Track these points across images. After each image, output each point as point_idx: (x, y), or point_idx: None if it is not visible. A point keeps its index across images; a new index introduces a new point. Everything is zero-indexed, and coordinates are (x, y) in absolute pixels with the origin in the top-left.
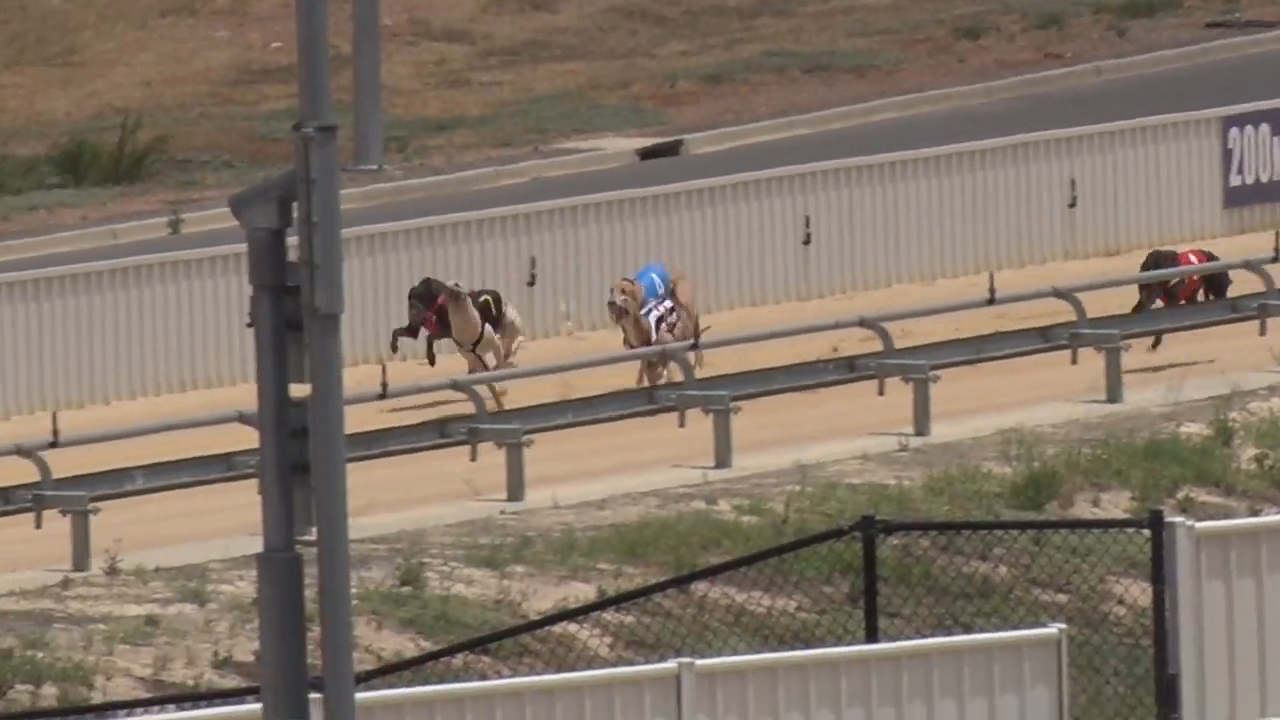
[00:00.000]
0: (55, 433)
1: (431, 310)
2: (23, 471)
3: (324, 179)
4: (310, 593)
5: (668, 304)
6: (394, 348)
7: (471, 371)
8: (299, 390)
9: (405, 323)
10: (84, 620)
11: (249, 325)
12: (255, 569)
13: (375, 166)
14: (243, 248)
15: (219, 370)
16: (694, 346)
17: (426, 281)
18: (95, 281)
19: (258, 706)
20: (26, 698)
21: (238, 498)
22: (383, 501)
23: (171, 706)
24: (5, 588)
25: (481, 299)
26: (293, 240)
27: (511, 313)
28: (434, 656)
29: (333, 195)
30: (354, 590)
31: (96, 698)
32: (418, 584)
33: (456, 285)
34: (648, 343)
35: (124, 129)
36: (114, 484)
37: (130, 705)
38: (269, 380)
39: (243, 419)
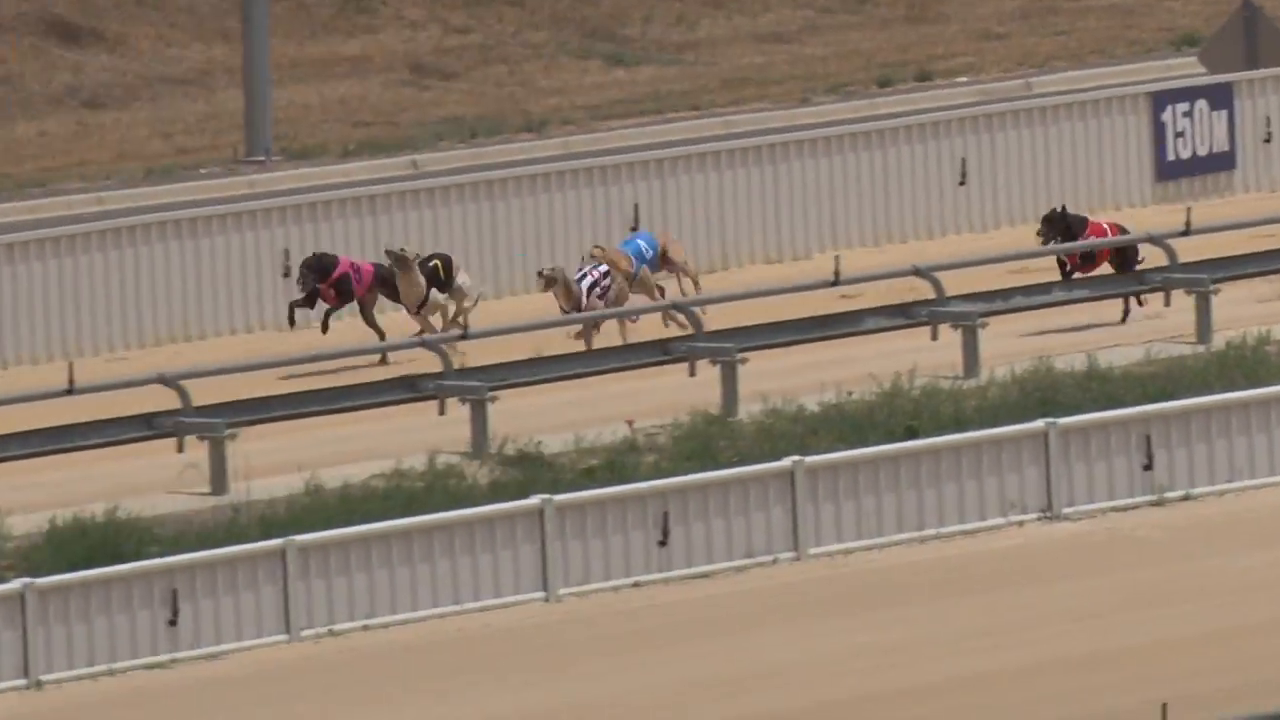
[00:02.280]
0: None
1: (329, 282)
2: None
3: None
4: None
5: (602, 269)
6: (291, 321)
7: (421, 333)
8: None
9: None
10: None
11: None
12: None
13: None
14: None
15: None
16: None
17: (319, 256)
18: None
19: None
20: None
21: None
22: None
23: None
24: None
25: (431, 264)
26: None
27: (463, 277)
28: None
29: None
30: None
31: None
32: None
33: (403, 250)
34: (578, 308)
35: None
36: None
37: None
38: None
39: None
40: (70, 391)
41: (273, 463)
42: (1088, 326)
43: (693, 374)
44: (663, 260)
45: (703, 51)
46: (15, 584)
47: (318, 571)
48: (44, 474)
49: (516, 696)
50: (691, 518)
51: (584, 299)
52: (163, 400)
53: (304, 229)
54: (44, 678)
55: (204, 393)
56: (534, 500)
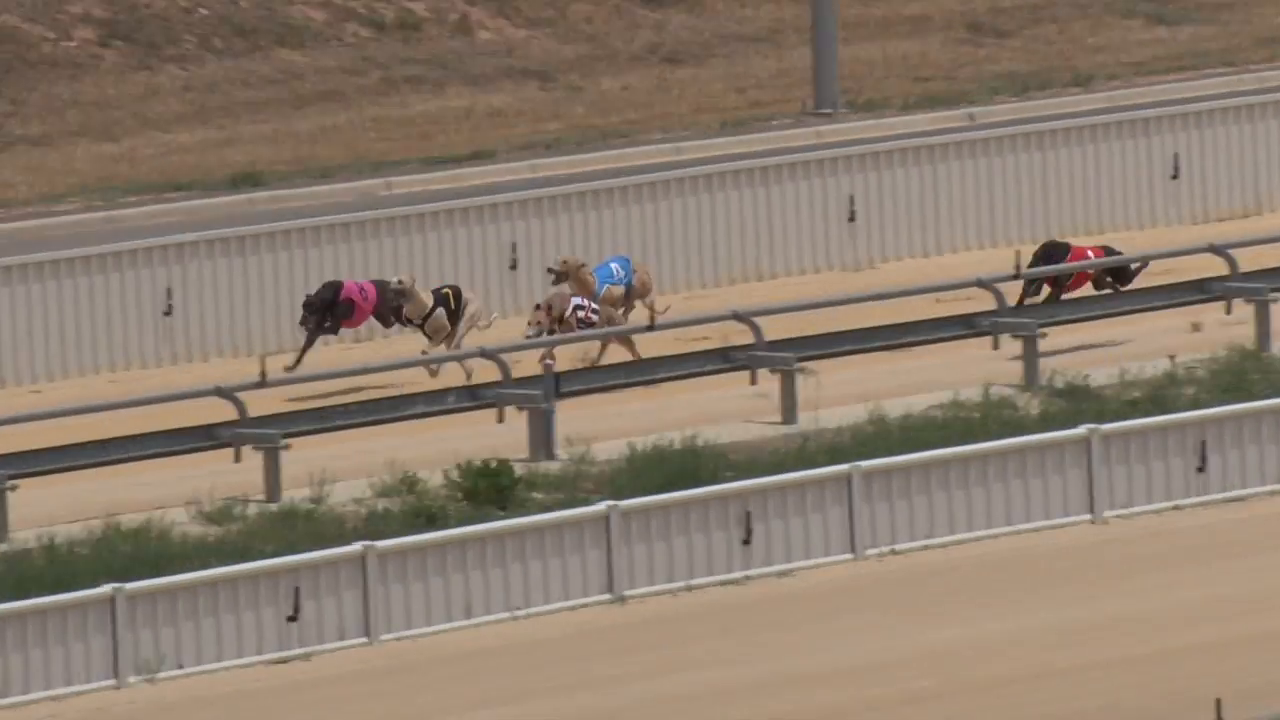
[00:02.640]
0: None
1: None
2: None
3: None
4: None
5: (593, 305)
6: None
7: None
8: None
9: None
10: None
11: None
12: None
13: None
14: None
15: None
16: (649, 328)
17: (327, 285)
18: None
19: None
20: None
21: None
22: None
23: None
24: None
25: (442, 291)
26: None
27: (474, 306)
28: None
29: None
30: None
31: None
32: None
33: (401, 282)
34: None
35: None
36: None
37: None
38: None
39: None
40: (651, 328)
41: (839, 394)
42: None
43: (1229, 313)
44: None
45: (1238, 11)
46: (600, 506)
47: (880, 495)
48: (628, 404)
49: (1064, 610)
50: (1227, 445)
51: (565, 316)
52: (738, 335)
53: (868, 177)
54: (627, 593)
55: (775, 329)
56: (1081, 429)
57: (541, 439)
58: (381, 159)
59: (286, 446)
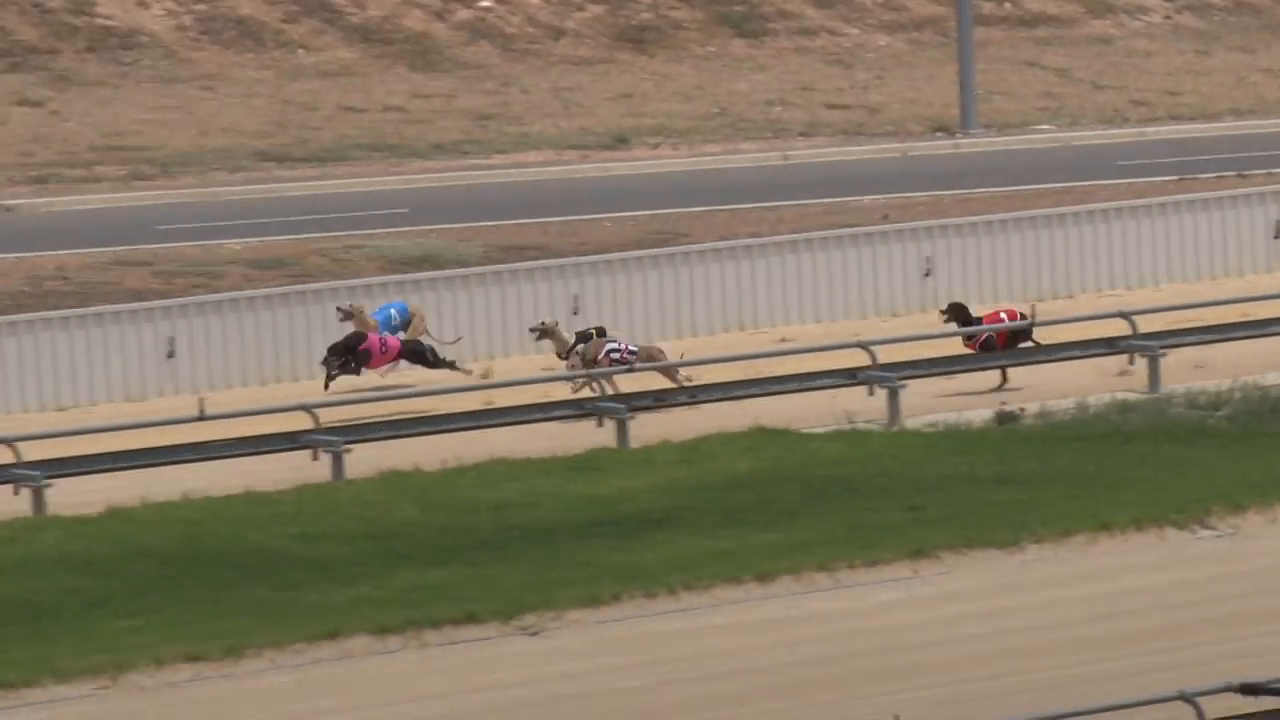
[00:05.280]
0: None
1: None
2: None
3: None
4: None
5: (634, 347)
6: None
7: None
8: None
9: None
10: None
11: None
12: None
13: None
14: None
15: None
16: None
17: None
18: None
19: None
20: None
21: None
22: None
23: None
24: None
25: (586, 331)
26: None
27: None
28: None
29: None
30: None
31: None
32: None
33: (544, 324)
34: (587, 364)
35: None
36: None
37: None
38: None
39: None
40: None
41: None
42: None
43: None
44: (409, 328)
45: None
46: None
47: None
48: None
49: None
50: None
51: (599, 358)
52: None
53: None
54: None
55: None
56: None
57: None
58: None
59: None
